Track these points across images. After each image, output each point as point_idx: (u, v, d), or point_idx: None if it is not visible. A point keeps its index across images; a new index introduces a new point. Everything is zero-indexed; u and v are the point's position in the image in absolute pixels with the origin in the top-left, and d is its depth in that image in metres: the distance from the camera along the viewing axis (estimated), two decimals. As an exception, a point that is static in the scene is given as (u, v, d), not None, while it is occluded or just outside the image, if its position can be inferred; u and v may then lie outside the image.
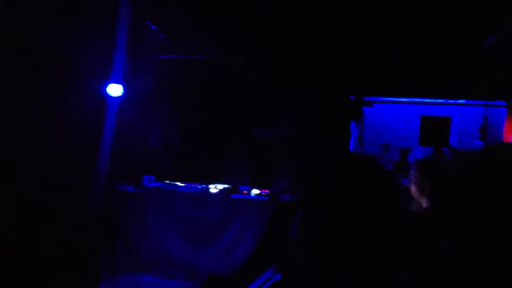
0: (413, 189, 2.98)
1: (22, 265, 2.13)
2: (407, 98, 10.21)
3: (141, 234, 5.57)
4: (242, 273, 5.33)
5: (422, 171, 2.91)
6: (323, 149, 7.12)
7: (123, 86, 5.60)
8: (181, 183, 6.15)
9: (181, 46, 6.09)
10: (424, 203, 2.83)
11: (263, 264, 4.74)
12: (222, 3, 5.25)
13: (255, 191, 5.92)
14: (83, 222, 2.62)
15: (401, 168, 5.51)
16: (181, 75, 6.59)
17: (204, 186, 5.97)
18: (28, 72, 2.22)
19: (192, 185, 6.01)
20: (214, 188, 5.86)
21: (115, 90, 5.61)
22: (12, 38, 2.14)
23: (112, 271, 5.46)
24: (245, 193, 5.92)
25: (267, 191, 5.93)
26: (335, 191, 1.10)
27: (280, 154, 7.85)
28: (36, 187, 2.30)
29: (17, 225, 2.18)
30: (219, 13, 5.44)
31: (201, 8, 5.32)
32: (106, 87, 5.53)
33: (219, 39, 5.98)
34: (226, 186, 6.01)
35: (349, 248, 1.11)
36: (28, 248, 2.20)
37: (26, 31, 2.31)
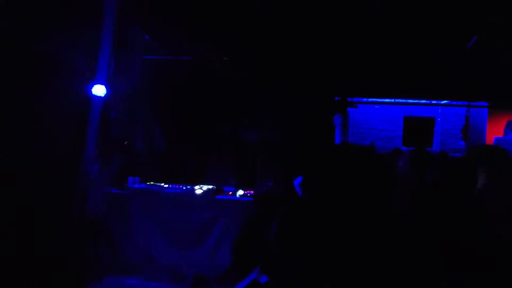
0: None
1: (7, 267, 2.10)
2: (390, 99, 10.31)
3: (125, 236, 5.53)
4: (227, 275, 5.32)
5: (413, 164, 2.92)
6: (308, 150, 7.15)
7: (107, 87, 5.57)
8: (166, 184, 6.13)
9: (165, 47, 6.07)
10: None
11: (248, 265, 4.75)
12: (207, 5, 5.24)
13: (240, 192, 5.93)
14: (68, 224, 2.60)
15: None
16: (165, 76, 6.56)
17: (189, 187, 5.96)
18: (9, 72, 2.19)
19: (177, 186, 5.99)
20: (199, 189, 5.85)
21: (99, 90, 5.58)
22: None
23: (97, 274, 5.42)
24: (230, 194, 5.92)
25: (252, 192, 5.94)
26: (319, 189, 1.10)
27: (264, 155, 7.86)
28: (20, 189, 2.27)
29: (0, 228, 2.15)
30: (203, 15, 5.43)
31: (186, 9, 5.30)
32: (90, 87, 5.49)
33: (204, 40, 5.97)
34: (211, 187, 6.00)
35: (329, 249, 1.12)
36: (13, 250, 2.18)
37: (8, 31, 2.28)
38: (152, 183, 6.22)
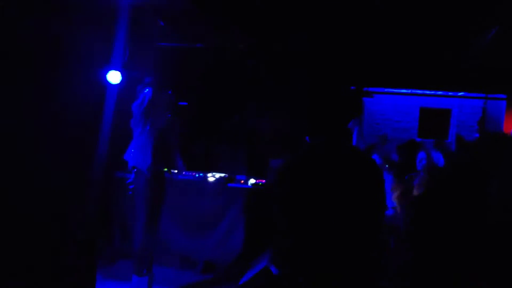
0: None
1: (15, 253, 2.15)
2: (407, 90, 10.22)
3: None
4: (238, 262, 5.36)
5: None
6: (321, 140, 7.11)
7: (122, 74, 5.60)
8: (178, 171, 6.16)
9: (180, 34, 6.07)
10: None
11: (259, 254, 4.78)
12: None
13: (252, 181, 5.94)
14: (82, 210, 2.64)
15: (403, 166, 5.45)
16: (179, 63, 6.57)
17: (201, 174, 5.99)
18: (21, 59, 2.21)
19: (189, 174, 6.02)
20: (211, 177, 5.88)
21: (114, 77, 5.62)
22: (6, 24, 2.13)
23: (110, 258, 5.50)
24: (242, 183, 5.94)
25: (264, 180, 5.95)
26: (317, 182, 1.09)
27: (277, 144, 7.86)
28: (33, 176, 2.31)
29: (12, 210, 2.19)
30: (219, 1, 5.42)
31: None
32: (105, 74, 5.53)
33: (219, 27, 5.95)
34: (223, 175, 6.02)
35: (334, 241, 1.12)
36: (23, 236, 2.22)
37: (20, 17, 2.30)
38: (165, 170, 6.25)
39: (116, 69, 5.56)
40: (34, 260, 2.22)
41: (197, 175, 5.97)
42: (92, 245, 2.72)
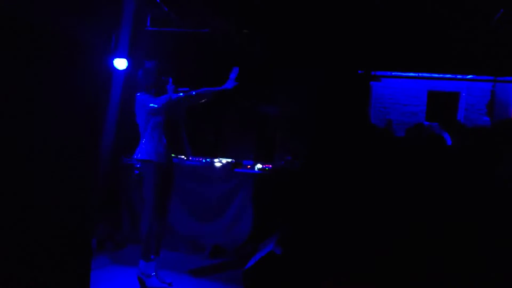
0: None
1: (14, 236, 2.19)
2: (414, 73, 10.14)
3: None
4: (245, 246, 5.41)
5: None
6: (329, 126, 7.10)
7: (128, 60, 5.63)
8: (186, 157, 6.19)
9: (185, 19, 6.04)
10: None
11: (265, 237, 4.81)
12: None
13: (258, 166, 5.97)
14: (84, 194, 2.67)
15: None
16: (184, 49, 6.55)
17: (208, 160, 6.02)
18: (26, 45, 2.23)
19: (197, 159, 6.06)
20: (218, 162, 5.91)
21: (120, 64, 5.65)
22: (9, 13, 2.14)
23: (119, 243, 5.58)
24: (249, 168, 5.97)
25: (270, 166, 5.97)
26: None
27: (283, 129, 7.85)
28: (39, 161, 2.34)
29: (15, 192, 2.22)
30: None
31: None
32: (111, 61, 5.56)
33: (224, 12, 5.92)
34: (229, 160, 6.05)
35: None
36: (24, 219, 2.26)
37: (23, 4, 2.31)
38: (172, 155, 6.29)
39: (122, 56, 5.60)
40: (31, 242, 2.26)
41: (203, 161, 6.00)
42: (88, 231, 2.75)
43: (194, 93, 4.39)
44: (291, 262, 1.88)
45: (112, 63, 5.56)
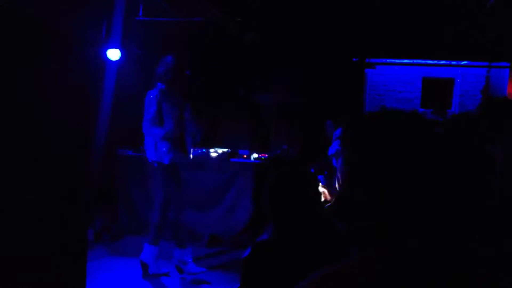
0: None
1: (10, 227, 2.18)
2: (409, 60, 10.12)
3: (142, 197, 5.65)
4: (242, 235, 5.44)
5: None
6: (325, 113, 7.10)
7: (121, 51, 5.58)
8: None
9: (178, 8, 5.99)
10: None
11: (261, 226, 4.82)
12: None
13: (254, 155, 5.97)
14: (77, 185, 2.66)
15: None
16: (177, 38, 6.51)
17: (204, 150, 6.01)
18: (19, 36, 2.21)
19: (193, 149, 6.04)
20: (214, 152, 5.90)
21: (113, 54, 5.60)
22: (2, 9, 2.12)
23: (116, 234, 5.58)
24: (245, 157, 5.97)
25: (266, 155, 5.98)
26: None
27: (279, 118, 7.85)
28: (32, 153, 2.33)
29: (11, 184, 2.22)
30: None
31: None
32: (104, 51, 5.51)
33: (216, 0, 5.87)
34: (226, 150, 6.05)
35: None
36: (21, 209, 2.25)
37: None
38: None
39: (115, 47, 5.55)
40: (24, 232, 2.25)
41: (199, 151, 5.99)
42: (84, 221, 2.75)
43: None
44: (288, 249, 1.88)
45: (105, 54, 5.52)
